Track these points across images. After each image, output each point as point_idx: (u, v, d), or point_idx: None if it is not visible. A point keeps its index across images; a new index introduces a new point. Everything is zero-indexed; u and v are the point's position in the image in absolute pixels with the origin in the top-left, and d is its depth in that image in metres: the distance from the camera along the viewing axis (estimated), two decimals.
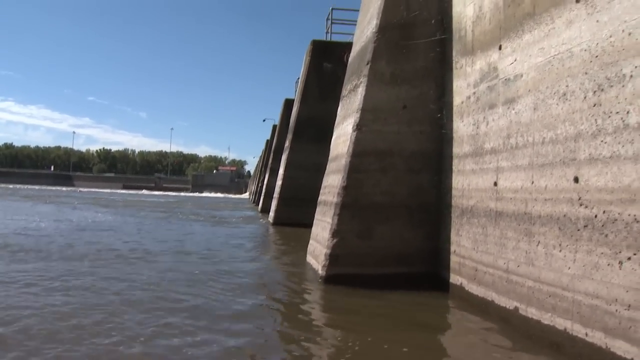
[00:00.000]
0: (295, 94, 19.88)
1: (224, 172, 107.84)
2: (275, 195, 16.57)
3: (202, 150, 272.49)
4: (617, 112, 3.07)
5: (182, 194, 76.76)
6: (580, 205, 3.35)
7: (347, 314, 4.84)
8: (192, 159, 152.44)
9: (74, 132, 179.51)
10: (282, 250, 10.12)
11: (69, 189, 74.29)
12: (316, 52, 15.28)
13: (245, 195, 73.28)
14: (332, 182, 6.66)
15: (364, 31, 6.84)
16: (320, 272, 5.99)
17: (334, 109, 7.98)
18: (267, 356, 3.54)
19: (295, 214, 13.82)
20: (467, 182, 5.23)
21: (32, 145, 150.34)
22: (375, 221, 5.82)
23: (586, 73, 3.37)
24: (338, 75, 10.82)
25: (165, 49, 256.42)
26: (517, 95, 4.26)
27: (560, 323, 3.48)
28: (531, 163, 3.98)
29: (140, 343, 3.52)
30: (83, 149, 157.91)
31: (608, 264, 3.07)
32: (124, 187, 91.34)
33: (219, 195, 75.60)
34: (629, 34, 3.00)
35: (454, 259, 5.42)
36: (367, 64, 6.00)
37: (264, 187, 24.57)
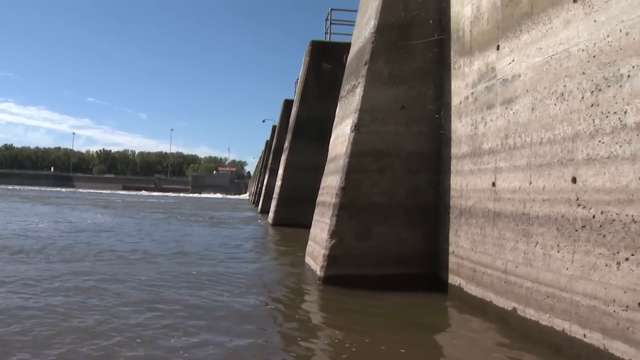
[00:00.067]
0: (294, 95, 19.87)
1: (224, 173, 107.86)
2: (275, 195, 16.56)
3: (202, 151, 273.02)
4: (615, 112, 3.06)
5: (182, 194, 76.79)
6: (578, 205, 3.34)
7: (345, 315, 4.84)
8: (192, 159, 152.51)
9: (73, 133, 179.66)
10: (281, 252, 10.11)
11: (69, 190, 74.22)
12: (315, 53, 15.28)
13: (245, 196, 73.25)
14: (331, 182, 6.64)
15: (362, 32, 6.83)
16: (318, 273, 5.98)
17: (333, 110, 7.97)
18: (266, 357, 3.53)
19: (295, 214, 13.81)
20: (465, 182, 5.22)
21: (32, 146, 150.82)
22: (373, 222, 5.81)
23: (584, 73, 3.36)
24: (337, 76, 10.79)
25: (165, 50, 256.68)
26: (515, 96, 4.25)
27: (559, 324, 3.47)
28: (529, 163, 3.97)
29: (141, 344, 3.52)
30: (83, 150, 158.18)
31: (606, 265, 3.06)
32: (124, 188, 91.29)
33: (219, 196, 75.56)
34: (627, 33, 2.99)
35: (452, 260, 5.41)
36: (365, 64, 5.99)
37: (264, 187, 24.56)
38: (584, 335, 3.21)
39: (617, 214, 3.00)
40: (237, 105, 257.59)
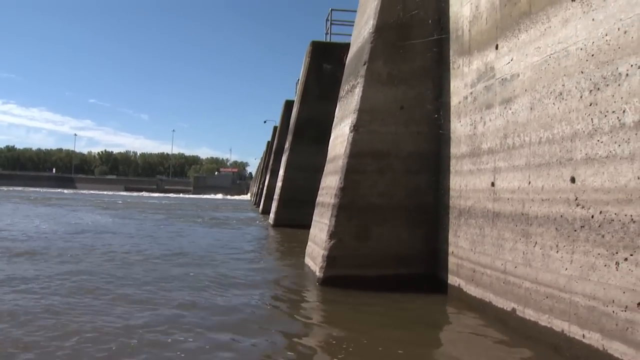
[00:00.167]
0: (295, 95, 19.86)
1: (226, 174, 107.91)
2: (276, 196, 16.55)
3: (204, 152, 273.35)
4: (614, 111, 3.03)
5: (182, 195, 76.82)
6: (577, 205, 3.32)
7: (344, 315, 4.82)
8: (194, 160, 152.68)
9: (75, 135, 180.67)
10: (281, 252, 10.10)
11: (71, 191, 74.30)
12: (316, 53, 15.26)
13: (247, 197, 73.25)
14: (330, 183, 6.63)
15: (361, 32, 6.82)
16: (317, 274, 5.96)
17: (334, 110, 7.95)
18: (266, 358, 3.52)
19: (296, 215, 13.78)
20: (464, 182, 5.20)
21: (34, 147, 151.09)
22: (372, 222, 5.79)
23: (582, 72, 3.34)
24: (338, 76, 10.74)
25: (166, 51, 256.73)
26: (513, 95, 4.23)
27: (558, 324, 3.45)
28: (528, 163, 3.95)
29: (141, 345, 3.51)
30: (85, 151, 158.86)
31: (605, 265, 3.04)
32: (126, 189, 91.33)
33: (221, 197, 75.51)
34: (625, 32, 2.97)
35: (452, 260, 5.38)
36: (364, 64, 5.97)
37: (265, 188, 24.55)
38: (583, 336, 3.18)
39: (615, 213, 2.98)
40: (238, 106, 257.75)
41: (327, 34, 15.96)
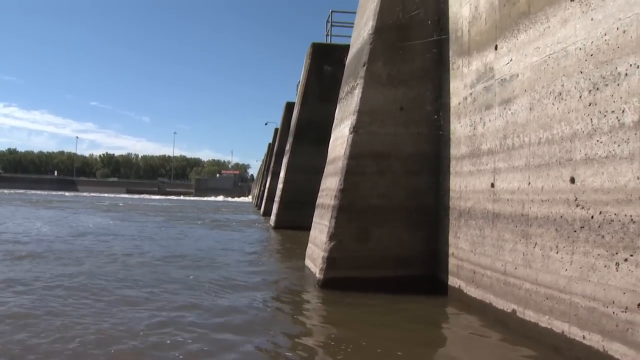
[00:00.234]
0: (296, 97, 19.86)
1: (227, 176, 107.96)
2: (277, 198, 16.53)
3: (205, 154, 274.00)
4: (613, 111, 3.02)
5: (185, 197, 76.82)
6: (577, 206, 3.31)
7: (344, 317, 4.80)
8: (195, 163, 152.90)
9: (77, 137, 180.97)
10: (281, 254, 10.08)
11: (73, 194, 74.34)
12: (316, 55, 15.27)
13: (249, 199, 73.25)
14: (330, 184, 6.62)
15: (360, 33, 6.81)
16: (317, 275, 5.94)
17: (335, 112, 7.95)
18: (269, 359, 3.52)
19: (297, 217, 13.77)
20: (464, 183, 5.18)
21: (36, 150, 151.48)
22: (372, 224, 5.77)
23: (581, 72, 3.32)
24: (338, 78, 10.73)
25: (167, 53, 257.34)
26: (513, 96, 4.22)
27: (558, 326, 3.43)
28: (527, 164, 3.93)
29: (145, 347, 3.51)
30: (86, 153, 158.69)
31: (605, 266, 3.02)
32: (128, 192, 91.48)
33: (222, 199, 75.53)
34: (624, 31, 2.96)
35: (452, 262, 5.37)
36: (364, 65, 5.96)
37: (266, 190, 24.56)
38: (584, 337, 3.16)
39: (615, 214, 2.96)
40: (240, 108, 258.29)
41: (327, 35, 15.97)
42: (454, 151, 5.48)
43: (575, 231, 3.31)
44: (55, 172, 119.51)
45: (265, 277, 6.93)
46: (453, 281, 5.31)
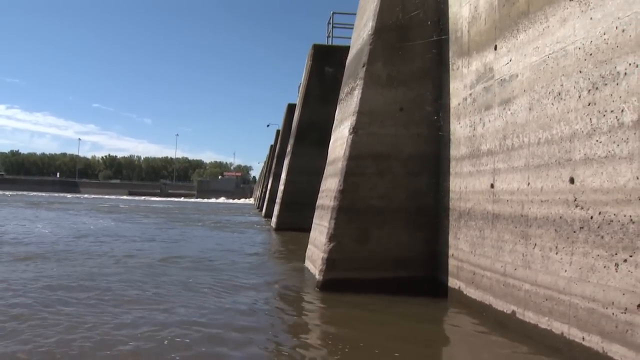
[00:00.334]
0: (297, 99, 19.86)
1: (230, 178, 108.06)
2: (278, 200, 16.53)
3: (207, 156, 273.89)
4: (612, 111, 3.00)
5: (186, 199, 76.89)
6: (576, 206, 3.29)
7: (344, 318, 4.79)
8: (198, 164, 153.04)
9: (79, 139, 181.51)
10: (282, 256, 10.07)
11: (75, 195, 74.51)
12: (317, 56, 15.26)
13: (251, 201, 73.28)
14: (330, 185, 6.60)
15: (360, 34, 6.80)
16: (317, 276, 5.92)
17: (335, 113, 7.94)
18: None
19: (298, 218, 13.75)
20: (464, 184, 5.16)
21: (38, 152, 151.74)
22: (372, 225, 5.75)
23: (580, 72, 3.31)
24: (339, 79, 10.70)
25: (169, 55, 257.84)
26: (512, 96, 4.20)
27: (557, 327, 3.41)
28: (527, 164, 3.92)
29: (146, 348, 3.50)
30: (89, 155, 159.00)
31: (604, 267, 3.00)
32: (130, 194, 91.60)
33: (225, 200, 75.67)
34: (623, 30, 2.94)
35: (452, 263, 5.34)
36: (364, 66, 5.95)
37: (267, 192, 24.54)
38: (583, 339, 3.14)
39: (615, 214, 2.94)
40: (242, 110, 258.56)
41: (328, 37, 15.98)
42: (453, 152, 5.47)
43: (574, 232, 3.29)
44: (58, 174, 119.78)
45: (266, 278, 6.91)
46: (453, 282, 5.29)
